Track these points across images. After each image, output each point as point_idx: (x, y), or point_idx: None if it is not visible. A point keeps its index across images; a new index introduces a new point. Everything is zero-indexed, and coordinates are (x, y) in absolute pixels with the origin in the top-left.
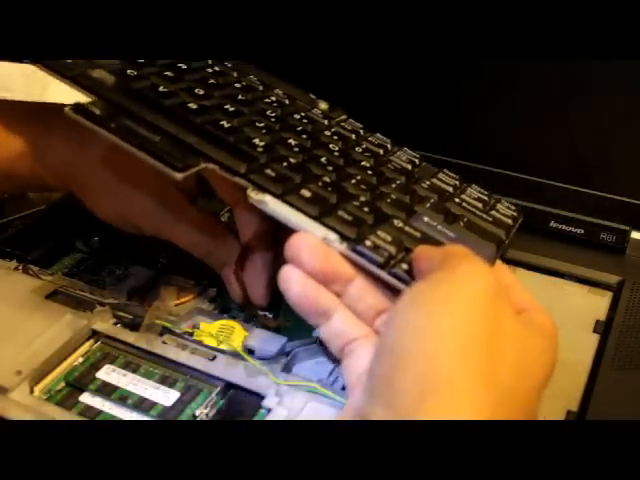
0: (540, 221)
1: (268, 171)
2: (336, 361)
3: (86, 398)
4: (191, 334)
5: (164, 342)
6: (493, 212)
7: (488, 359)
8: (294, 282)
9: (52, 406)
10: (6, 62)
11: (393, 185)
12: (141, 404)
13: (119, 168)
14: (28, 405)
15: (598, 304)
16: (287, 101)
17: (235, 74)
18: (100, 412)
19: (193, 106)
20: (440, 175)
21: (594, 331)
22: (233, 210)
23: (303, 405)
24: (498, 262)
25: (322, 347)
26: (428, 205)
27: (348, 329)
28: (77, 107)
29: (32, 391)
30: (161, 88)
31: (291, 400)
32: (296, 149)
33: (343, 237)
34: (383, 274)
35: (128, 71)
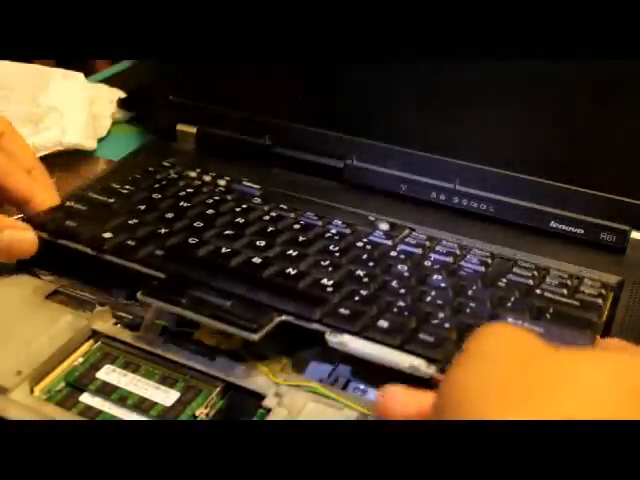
0: (540, 221)
1: (342, 310)
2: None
3: (86, 398)
4: (191, 334)
5: (164, 342)
6: (579, 295)
7: None
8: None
9: (52, 406)
10: (8, 61)
11: (469, 292)
12: (141, 404)
13: None
14: (28, 405)
15: None
16: (347, 230)
17: (292, 215)
18: (100, 412)
19: (257, 260)
20: (515, 269)
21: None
22: None
23: (303, 405)
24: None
25: (322, 347)
26: (509, 305)
27: None
28: (147, 289)
29: (32, 391)
30: (224, 250)
31: (291, 400)
32: (365, 279)
33: (430, 360)
34: None
35: (190, 240)
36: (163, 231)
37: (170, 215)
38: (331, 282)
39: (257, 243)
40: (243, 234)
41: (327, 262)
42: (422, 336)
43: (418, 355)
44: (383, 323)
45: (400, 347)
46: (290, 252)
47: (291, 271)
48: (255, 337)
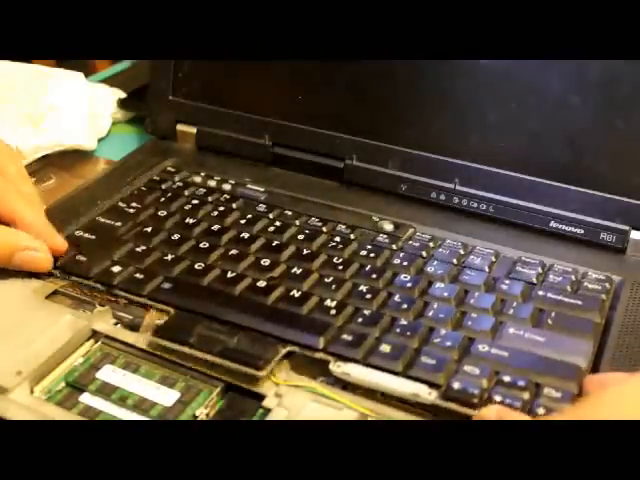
0: (540, 221)
1: (345, 336)
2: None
3: (86, 398)
4: None
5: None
6: (582, 291)
7: None
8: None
9: (52, 406)
10: (8, 61)
11: (472, 301)
12: (141, 404)
13: None
14: (28, 405)
15: None
16: (352, 235)
17: (297, 222)
18: (100, 412)
19: (262, 284)
20: (519, 267)
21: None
22: None
23: (303, 405)
24: None
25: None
26: (512, 311)
27: None
28: (159, 330)
29: (32, 391)
30: (229, 274)
31: (291, 400)
32: (368, 295)
33: (431, 385)
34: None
35: (196, 266)
36: (170, 257)
37: (176, 236)
38: (334, 303)
39: (262, 262)
40: (248, 252)
41: (331, 279)
42: (424, 359)
43: (420, 381)
44: (385, 347)
45: (402, 373)
46: (294, 270)
47: (295, 293)
48: (262, 374)
